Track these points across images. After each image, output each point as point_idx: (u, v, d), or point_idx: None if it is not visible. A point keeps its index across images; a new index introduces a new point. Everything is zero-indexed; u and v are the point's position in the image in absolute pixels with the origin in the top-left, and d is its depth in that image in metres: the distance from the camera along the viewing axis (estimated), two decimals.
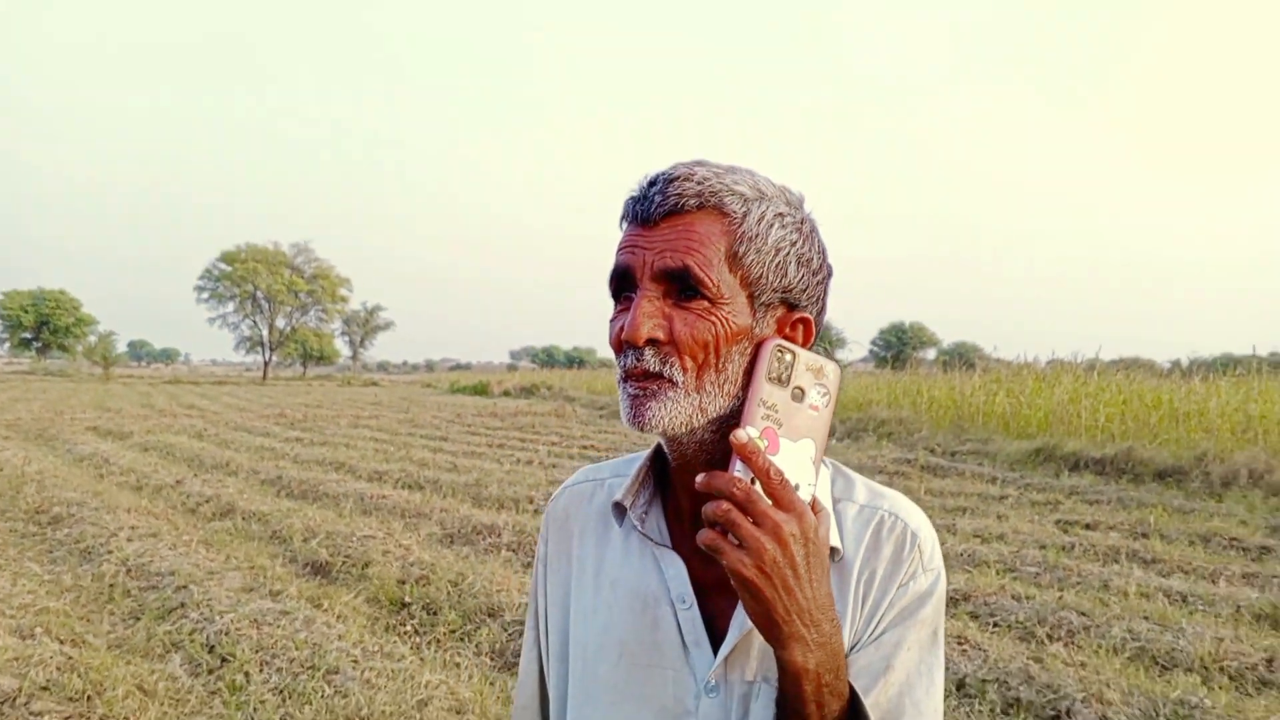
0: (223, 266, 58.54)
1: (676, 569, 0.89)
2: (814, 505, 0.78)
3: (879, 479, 10.36)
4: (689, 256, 0.80)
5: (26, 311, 67.44)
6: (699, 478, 0.75)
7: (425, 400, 30.42)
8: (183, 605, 4.95)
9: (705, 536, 0.74)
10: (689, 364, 0.81)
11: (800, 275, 0.85)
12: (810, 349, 0.86)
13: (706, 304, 0.81)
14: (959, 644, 4.38)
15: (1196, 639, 4.45)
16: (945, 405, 16.17)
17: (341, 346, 77.35)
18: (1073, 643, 4.57)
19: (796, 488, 0.77)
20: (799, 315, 0.86)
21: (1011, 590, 5.34)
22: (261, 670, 4.02)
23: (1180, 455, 10.61)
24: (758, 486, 0.74)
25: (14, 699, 3.50)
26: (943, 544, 6.46)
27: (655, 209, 0.82)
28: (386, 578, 5.56)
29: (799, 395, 0.80)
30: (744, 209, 0.82)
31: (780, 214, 0.84)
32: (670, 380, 0.81)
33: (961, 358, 31.07)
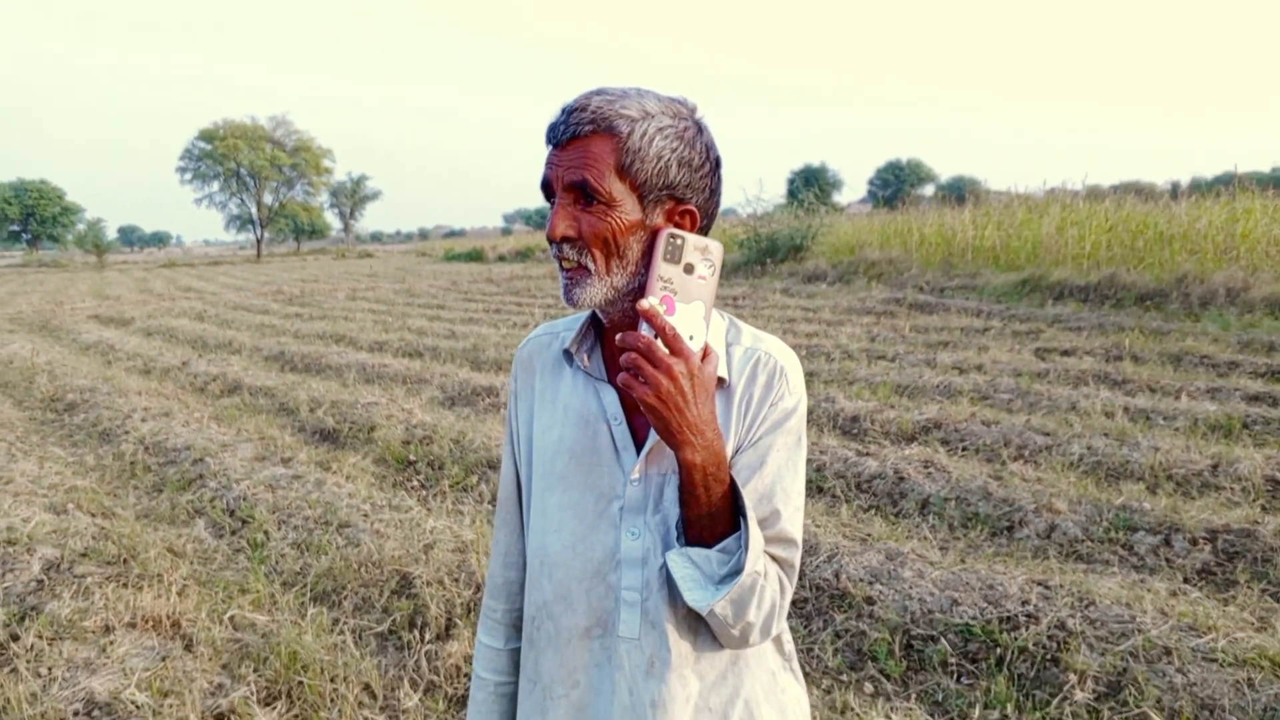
0: (203, 145, 57.46)
1: (610, 397, 1.17)
2: (705, 350, 1.05)
3: (866, 320, 10.63)
4: (586, 171, 1.05)
5: (10, 203, 66.65)
6: (617, 337, 1.03)
7: (421, 269, 30.51)
8: (201, 476, 5.28)
9: (621, 378, 1.01)
10: (598, 255, 1.07)
11: (682, 174, 1.07)
12: (698, 231, 1.10)
13: (603, 207, 1.05)
14: (925, 468, 4.69)
15: (1149, 451, 4.75)
16: (935, 243, 16.24)
17: (332, 219, 76.72)
18: (1033, 461, 4.89)
19: (690, 338, 1.04)
20: (685, 207, 1.09)
21: (982, 416, 5.63)
22: (279, 528, 4.36)
23: (1162, 279, 10.79)
24: (659, 340, 1.01)
25: (58, 565, 3.83)
26: (920, 378, 6.76)
27: (562, 134, 1.07)
28: (391, 440, 5.87)
29: (690, 269, 1.04)
30: (629, 128, 1.05)
31: (662, 128, 1.06)
32: (586, 269, 1.08)
33: (957, 193, 30.87)
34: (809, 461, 4.94)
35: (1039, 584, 3.26)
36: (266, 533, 4.31)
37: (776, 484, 1.11)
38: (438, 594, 3.44)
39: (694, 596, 1.06)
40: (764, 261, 18.26)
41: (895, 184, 75.01)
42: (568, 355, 1.21)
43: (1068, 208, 15.24)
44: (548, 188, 1.10)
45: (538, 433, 1.24)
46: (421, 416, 6.40)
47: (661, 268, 1.03)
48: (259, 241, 60.04)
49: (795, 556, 1.12)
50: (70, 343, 12.50)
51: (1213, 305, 9.73)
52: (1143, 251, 12.53)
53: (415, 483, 5.22)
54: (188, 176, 58.26)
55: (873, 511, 4.39)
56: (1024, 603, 3.11)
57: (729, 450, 1.10)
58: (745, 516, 1.05)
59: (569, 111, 1.07)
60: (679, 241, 1.03)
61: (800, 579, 3.50)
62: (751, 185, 39.03)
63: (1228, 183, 17.99)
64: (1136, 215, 14.20)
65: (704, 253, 1.04)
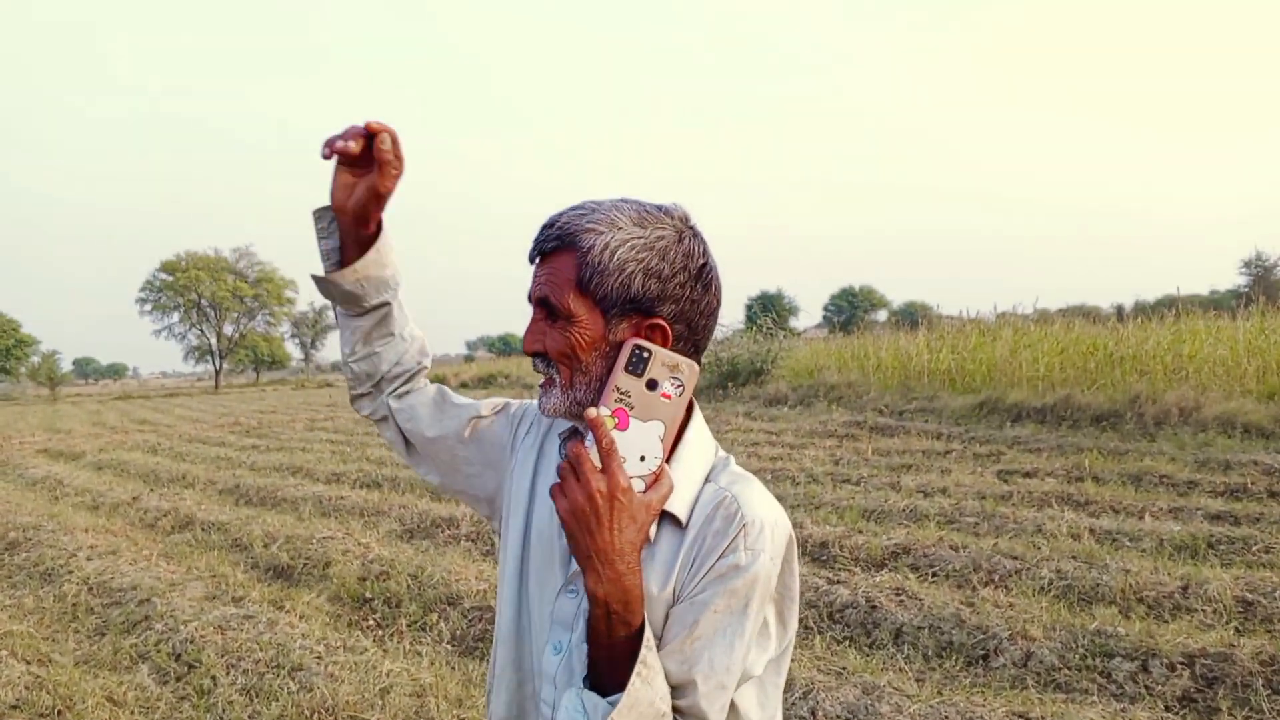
0: (164, 276, 57.57)
1: None
2: (659, 474, 0.99)
3: (828, 443, 10.65)
4: (547, 289, 1.06)
5: None
6: (566, 445, 1.04)
7: None
8: (147, 618, 5.04)
9: (551, 486, 0.99)
10: (562, 369, 1.07)
11: (649, 286, 1.04)
12: (677, 344, 1.06)
13: (565, 323, 1.06)
14: (896, 595, 4.61)
15: (1118, 573, 4.72)
16: (892, 366, 16.51)
17: (293, 350, 76.51)
18: (1004, 586, 4.83)
19: (641, 459, 0.98)
20: (652, 321, 1.05)
21: (950, 541, 5.59)
22: (228, 673, 4.14)
23: (1116, 399, 10.99)
24: (593, 452, 0.97)
25: None
26: (886, 501, 6.72)
27: (533, 253, 1.10)
28: (347, 576, 5.68)
29: (653, 385, 0.99)
30: (591, 243, 1.04)
31: (628, 240, 1.04)
32: (553, 380, 1.09)
33: (910, 318, 31.61)
34: None
35: (1019, 716, 3.17)
36: (214, 678, 4.09)
37: (704, 651, 0.99)
38: None
39: None
40: (725, 385, 18.41)
41: (849, 309, 76.75)
42: (562, 441, 1.20)
43: (1019, 331, 15.63)
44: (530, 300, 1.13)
45: (538, 493, 1.21)
46: (379, 551, 6.22)
47: (620, 379, 0.99)
48: (218, 372, 59.57)
49: None
50: (16, 478, 12.12)
51: (1167, 425, 9.89)
52: (1095, 373, 12.82)
53: (371, 621, 5.02)
54: (148, 307, 58.16)
55: (847, 643, 4.28)
56: None
57: (669, 597, 1.02)
58: (635, 671, 0.94)
59: (542, 228, 1.08)
60: (644, 354, 0.99)
61: None
62: None
63: (1170, 305, 18.64)
64: (1086, 337, 14.58)
65: (672, 370, 1.00)
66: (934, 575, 5.14)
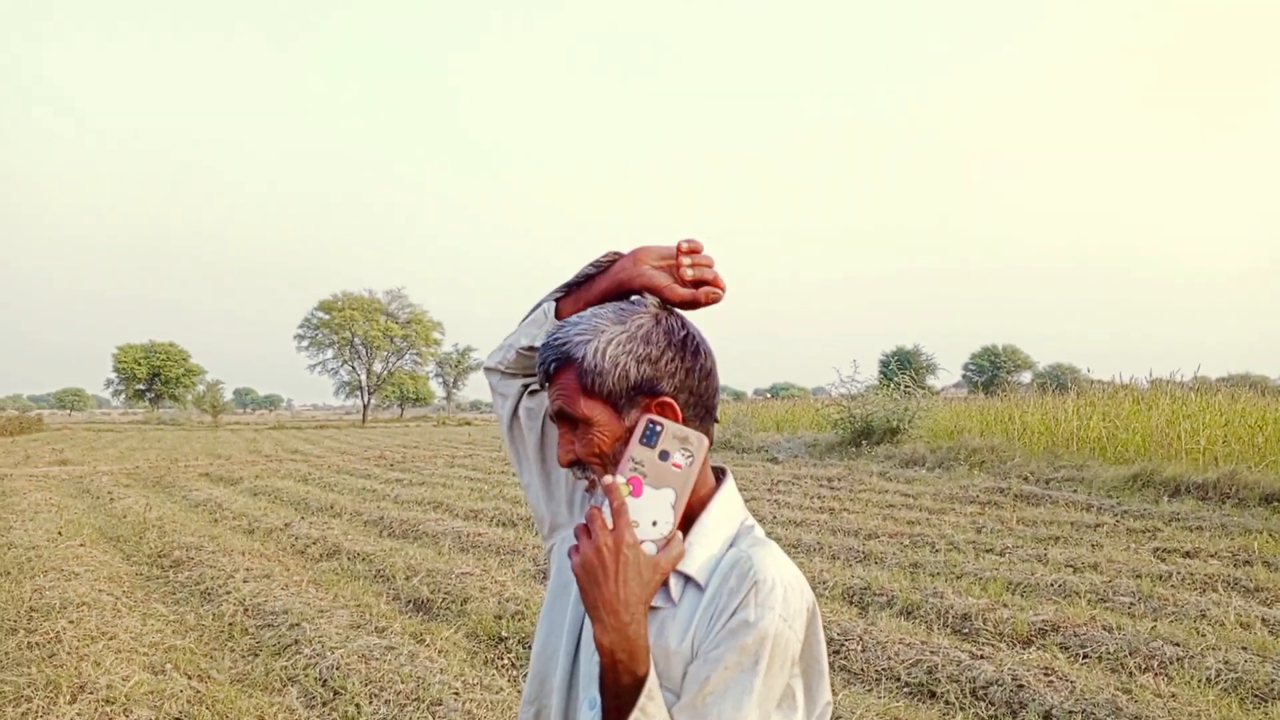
0: (321, 315, 60.76)
1: None
2: (670, 538, 1.07)
3: (970, 509, 10.27)
4: (561, 402, 1.16)
5: (140, 364, 71.03)
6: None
7: None
8: (296, 642, 5.28)
9: (570, 546, 1.07)
10: (597, 467, 1.16)
11: (644, 371, 1.13)
12: (685, 410, 1.15)
13: (585, 428, 1.15)
14: (1045, 675, 4.39)
15: None
16: (1039, 431, 15.85)
17: (436, 388, 79.25)
18: (1164, 674, 4.53)
19: (654, 524, 1.06)
20: (659, 400, 1.14)
21: (1103, 620, 5.30)
22: (370, 702, 4.29)
23: None
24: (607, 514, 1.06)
25: None
26: (1032, 574, 6.43)
27: (540, 378, 1.20)
28: (484, 613, 5.81)
29: (664, 456, 1.08)
30: (582, 351, 1.13)
31: (613, 338, 1.14)
32: (594, 483, 1.17)
33: (1057, 380, 30.30)
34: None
35: None
36: (358, 705, 4.24)
37: (714, 706, 1.03)
38: None
39: None
40: (859, 442, 18.03)
41: (991, 370, 74.11)
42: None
43: (1177, 400, 14.78)
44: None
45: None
46: (514, 590, 6.34)
47: (635, 450, 1.08)
48: (365, 407, 62.21)
49: None
50: (181, 499, 12.95)
51: None
52: (1264, 448, 11.99)
53: (506, 660, 5.11)
54: (304, 344, 61.39)
55: None
56: None
57: (687, 652, 1.08)
58: (632, 717, 1.00)
59: (539, 353, 1.19)
60: (657, 428, 1.09)
61: None
62: (844, 365, 38.88)
63: None
64: (1254, 409, 13.67)
65: (683, 442, 1.09)
66: (1085, 656, 4.87)
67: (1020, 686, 4.30)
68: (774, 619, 1.05)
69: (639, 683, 1.02)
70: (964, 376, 76.97)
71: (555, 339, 1.17)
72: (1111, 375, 20.23)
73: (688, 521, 1.14)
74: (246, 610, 6.05)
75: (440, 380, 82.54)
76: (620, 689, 1.03)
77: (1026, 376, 71.43)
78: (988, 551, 7.76)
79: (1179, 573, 6.68)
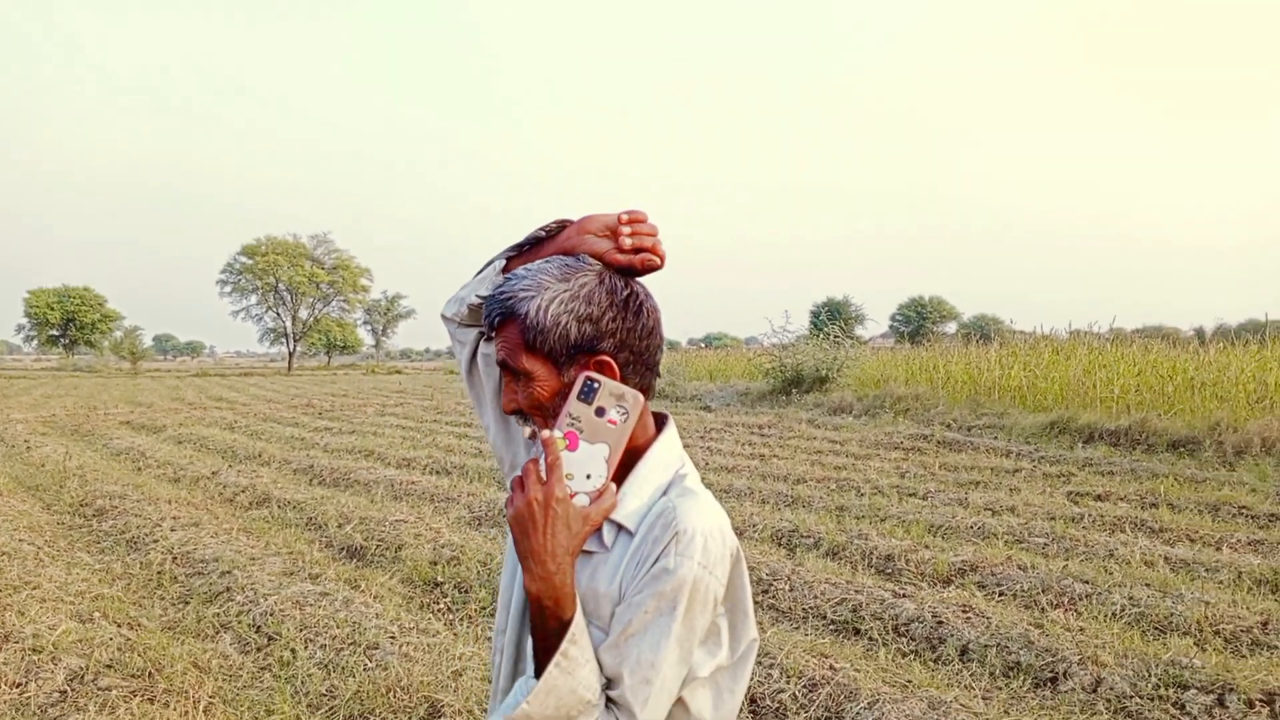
0: (244, 260, 59.08)
1: None
2: (602, 490, 1.12)
3: (895, 455, 10.57)
4: (504, 354, 1.20)
5: (53, 309, 68.31)
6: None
7: (449, 387, 30.77)
8: (228, 589, 5.24)
9: (506, 498, 1.12)
10: (537, 418, 1.20)
11: (584, 329, 1.17)
12: (621, 375, 1.18)
13: (526, 379, 1.19)
14: (963, 612, 4.60)
15: (1194, 604, 4.64)
16: (962, 380, 16.29)
17: (364, 335, 77.97)
18: (1074, 609, 4.77)
19: (588, 477, 1.11)
20: (598, 358, 1.17)
21: (1018, 560, 5.54)
22: (306, 647, 4.30)
23: (1194, 425, 10.72)
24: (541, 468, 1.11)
25: (82, 676, 3.79)
26: (953, 517, 6.66)
27: (486, 328, 1.23)
28: (419, 559, 5.83)
29: (600, 412, 1.12)
30: (525, 308, 1.17)
31: (556, 296, 1.17)
32: (534, 432, 1.21)
33: (981, 331, 31.08)
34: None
35: None
36: (293, 651, 4.25)
37: (634, 647, 1.10)
38: None
39: (494, 717, 1.14)
40: (789, 391, 18.33)
41: (918, 320, 75.53)
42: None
43: (1094, 350, 15.31)
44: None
45: None
46: (449, 536, 6.37)
47: (573, 405, 1.12)
48: (291, 355, 60.97)
49: None
50: (102, 448, 12.62)
51: (1248, 454, 9.62)
52: (1173, 397, 12.50)
53: (442, 605, 5.15)
54: (227, 289, 59.71)
55: (912, 656, 4.27)
56: None
57: (614, 595, 1.14)
58: (554, 661, 1.06)
59: (485, 305, 1.22)
60: (594, 384, 1.12)
61: None
62: (776, 316, 39.35)
63: (1255, 331, 18.05)
64: (1165, 360, 14.24)
65: (619, 399, 1.12)
66: (1001, 594, 5.10)
67: (940, 623, 4.50)
68: (692, 566, 1.11)
69: (563, 626, 1.08)
70: (891, 327, 78.37)
71: (501, 292, 1.20)
72: (1034, 326, 20.85)
73: (625, 469, 1.19)
74: (175, 558, 5.97)
75: (369, 328, 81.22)
76: (547, 631, 1.09)
77: (951, 327, 73.03)
78: (911, 496, 8.01)
79: (1090, 515, 6.99)
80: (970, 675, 4.02)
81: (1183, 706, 3.61)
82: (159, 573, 5.75)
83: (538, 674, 1.08)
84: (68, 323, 69.80)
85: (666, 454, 1.24)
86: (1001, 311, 43.64)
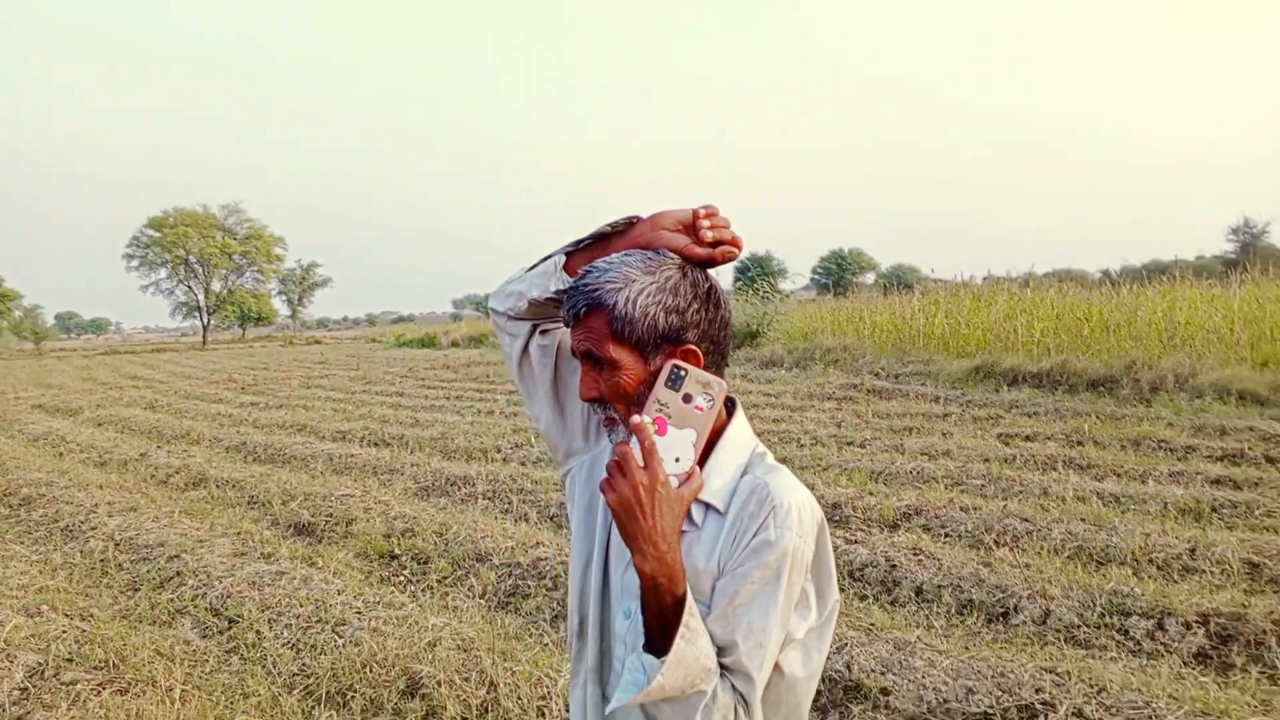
0: (151, 233, 56.96)
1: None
2: (690, 473, 1.17)
3: (829, 405, 10.80)
4: (589, 344, 1.23)
5: None
6: (615, 446, 1.18)
7: (374, 356, 30.29)
8: (179, 574, 5.14)
9: (600, 481, 1.15)
10: (619, 406, 1.24)
11: (671, 320, 1.21)
12: (707, 354, 1.24)
13: (610, 368, 1.22)
14: (914, 554, 4.76)
15: (1127, 535, 4.89)
16: (887, 329, 16.66)
17: (280, 306, 75.99)
18: (1018, 546, 4.98)
19: (677, 460, 1.16)
20: (684, 347, 1.22)
21: (960, 502, 5.74)
22: (271, 627, 4.26)
23: (1111, 365, 11.17)
24: (638, 453, 1.13)
25: (42, 672, 3.69)
26: (892, 464, 6.86)
27: (569, 315, 1.25)
28: (372, 533, 5.79)
29: (688, 399, 1.17)
30: (614, 299, 1.20)
31: (644, 289, 1.20)
32: (613, 420, 1.26)
33: (900, 280, 31.76)
34: None
35: (1049, 671, 3.31)
36: (258, 632, 4.20)
37: (744, 615, 1.16)
38: (450, 694, 3.38)
39: (616, 695, 1.15)
40: None
41: (838, 272, 76.67)
42: (611, 444, 1.33)
43: (1014, 296, 15.78)
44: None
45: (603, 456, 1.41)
46: (400, 508, 6.33)
47: (660, 392, 1.16)
48: (205, 328, 59.21)
49: (751, 693, 1.15)
50: (17, 434, 12.14)
51: (1162, 391, 10.07)
52: (1089, 339, 12.99)
53: (402, 577, 5.13)
54: (134, 264, 57.56)
55: (870, 600, 4.43)
56: (1038, 690, 3.16)
57: (714, 570, 1.19)
58: (679, 633, 1.09)
59: (569, 295, 1.25)
60: (681, 373, 1.17)
61: None
62: None
63: (1159, 271, 18.82)
64: (1081, 303, 14.74)
65: (705, 387, 1.17)
66: (947, 535, 5.29)
67: (893, 566, 4.66)
68: (791, 537, 1.17)
69: (679, 601, 1.12)
70: (813, 279, 79.43)
71: (586, 284, 1.22)
72: (953, 274, 21.38)
73: (705, 451, 1.23)
74: (118, 545, 5.82)
75: (284, 298, 79.18)
76: (664, 608, 1.12)
77: (871, 278, 74.35)
78: (849, 444, 8.21)
79: (1021, 455, 7.27)
80: (929, 615, 4.18)
81: (1126, 632, 3.82)
82: (102, 560, 5.60)
83: (655, 649, 1.12)
84: None
85: (741, 434, 1.29)
86: (919, 261, 44.62)
